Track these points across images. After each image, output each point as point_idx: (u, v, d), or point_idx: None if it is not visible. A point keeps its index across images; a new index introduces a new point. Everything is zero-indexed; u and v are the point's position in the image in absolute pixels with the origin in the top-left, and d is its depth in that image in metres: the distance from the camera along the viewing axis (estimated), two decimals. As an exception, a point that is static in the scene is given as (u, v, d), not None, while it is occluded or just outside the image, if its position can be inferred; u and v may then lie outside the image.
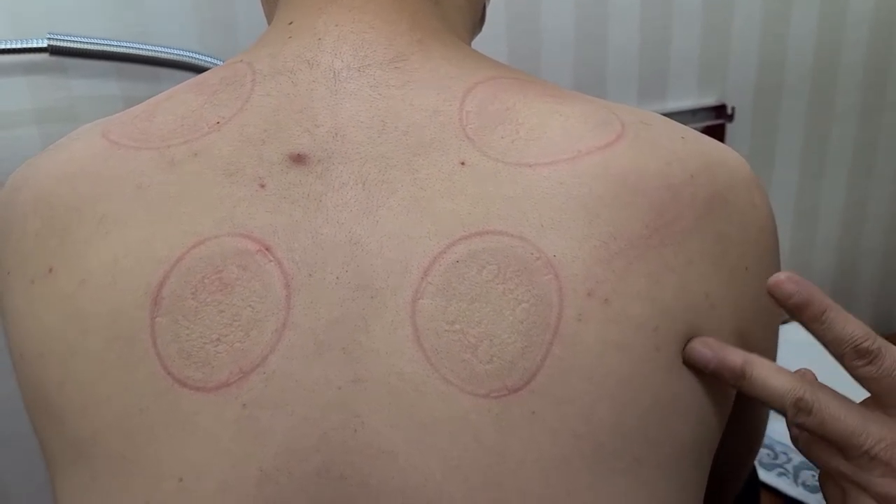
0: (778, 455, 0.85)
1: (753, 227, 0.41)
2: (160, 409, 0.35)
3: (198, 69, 0.80)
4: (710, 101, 1.07)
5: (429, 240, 0.36)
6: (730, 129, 1.08)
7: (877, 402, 0.38)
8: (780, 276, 0.38)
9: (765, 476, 0.83)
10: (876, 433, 0.37)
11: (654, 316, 0.36)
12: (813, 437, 0.39)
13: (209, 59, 0.80)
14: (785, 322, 1.07)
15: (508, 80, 0.41)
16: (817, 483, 0.79)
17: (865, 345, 0.37)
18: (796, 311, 0.38)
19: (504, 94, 0.40)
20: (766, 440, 0.87)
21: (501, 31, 0.93)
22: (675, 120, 0.42)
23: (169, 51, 0.79)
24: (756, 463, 0.81)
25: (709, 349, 0.37)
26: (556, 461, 0.35)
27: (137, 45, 0.77)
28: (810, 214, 1.19)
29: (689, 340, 0.38)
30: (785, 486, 0.82)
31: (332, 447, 0.35)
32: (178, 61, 0.80)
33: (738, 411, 0.44)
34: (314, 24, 0.42)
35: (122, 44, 0.76)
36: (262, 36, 0.45)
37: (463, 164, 0.38)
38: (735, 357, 0.38)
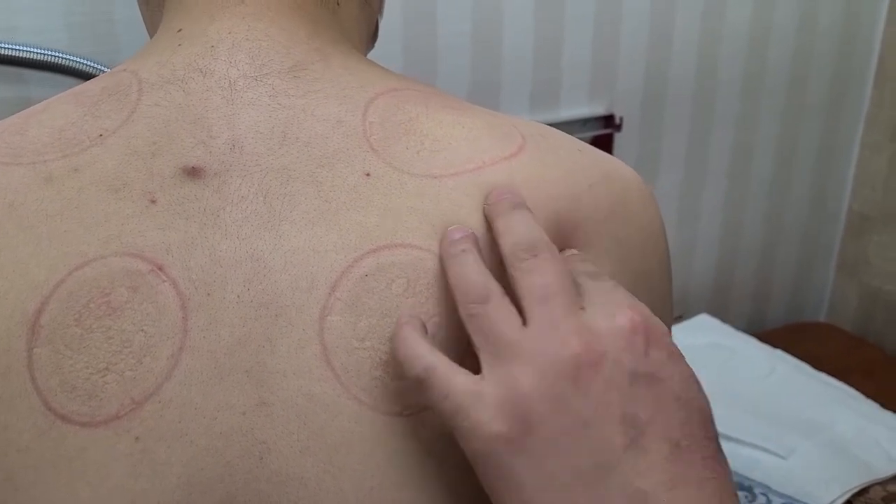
0: (756, 497, 0.83)
1: (650, 236, 0.43)
2: (43, 447, 0.33)
3: (71, 72, 0.75)
4: (599, 110, 1.09)
5: (335, 254, 0.35)
6: (618, 138, 1.11)
7: None
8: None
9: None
10: None
11: None
12: None
13: (83, 62, 0.76)
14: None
15: (410, 92, 0.41)
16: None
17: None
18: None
19: (406, 105, 0.40)
20: (744, 482, 0.84)
21: (397, 33, 0.92)
22: (567, 130, 0.44)
23: (37, 51, 0.74)
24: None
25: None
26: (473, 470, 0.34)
27: (1, 44, 0.72)
28: (692, 216, 1.25)
29: None
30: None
31: (236, 477, 0.34)
32: (48, 62, 0.75)
33: None
34: (206, 31, 0.39)
35: (-16, 42, 0.71)
36: (147, 45, 0.42)
37: (368, 175, 0.37)
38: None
